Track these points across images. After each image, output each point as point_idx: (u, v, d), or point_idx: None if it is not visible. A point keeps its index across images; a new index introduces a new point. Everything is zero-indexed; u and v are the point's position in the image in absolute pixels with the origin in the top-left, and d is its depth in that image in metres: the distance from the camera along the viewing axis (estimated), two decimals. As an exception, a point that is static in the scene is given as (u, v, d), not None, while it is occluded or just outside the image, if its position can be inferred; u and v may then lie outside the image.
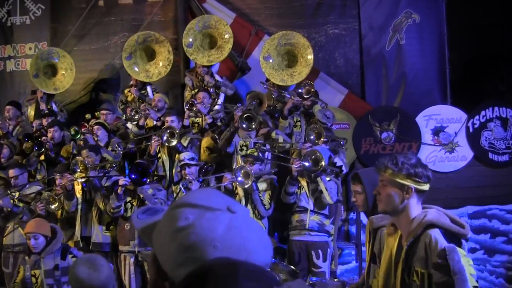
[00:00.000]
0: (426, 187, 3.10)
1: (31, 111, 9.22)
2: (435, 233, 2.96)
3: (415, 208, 3.09)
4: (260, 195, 6.81)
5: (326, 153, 6.91)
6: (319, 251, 6.65)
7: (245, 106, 7.81)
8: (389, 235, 3.28)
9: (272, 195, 6.89)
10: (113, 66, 9.78)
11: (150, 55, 9.05)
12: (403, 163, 3.05)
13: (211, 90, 8.44)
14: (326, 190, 6.54)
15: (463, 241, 3.00)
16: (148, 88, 8.92)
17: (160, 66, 8.90)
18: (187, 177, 6.91)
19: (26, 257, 5.81)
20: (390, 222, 3.28)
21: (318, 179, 6.56)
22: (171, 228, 1.25)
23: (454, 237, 2.97)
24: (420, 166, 3.07)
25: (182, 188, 6.89)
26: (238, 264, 1.14)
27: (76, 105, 9.85)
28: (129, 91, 9.01)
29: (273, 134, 7.51)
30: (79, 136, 7.87)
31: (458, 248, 2.91)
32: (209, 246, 1.19)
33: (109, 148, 7.83)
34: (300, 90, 7.78)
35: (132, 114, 8.30)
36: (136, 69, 8.86)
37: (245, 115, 7.19)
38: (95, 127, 7.93)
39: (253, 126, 7.19)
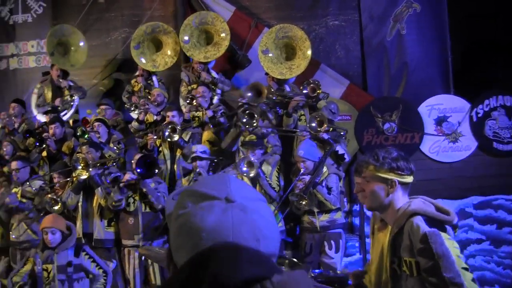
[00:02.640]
0: (409, 179, 3.10)
1: (47, 92, 9.25)
2: (417, 220, 2.94)
3: (400, 200, 3.09)
4: (268, 179, 6.88)
5: (313, 146, 6.88)
6: (332, 241, 6.68)
7: (245, 98, 7.84)
8: (379, 230, 3.28)
9: (279, 174, 6.99)
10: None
11: (157, 46, 9.13)
12: (384, 158, 3.06)
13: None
14: (326, 200, 6.58)
15: (447, 227, 2.98)
16: (154, 78, 8.99)
17: (167, 57, 9.00)
18: (197, 170, 6.96)
19: (39, 251, 5.89)
20: (379, 217, 3.28)
21: (315, 191, 6.57)
22: (174, 215, 1.31)
23: (438, 224, 2.94)
24: (401, 159, 3.07)
25: (194, 180, 6.97)
26: (241, 248, 1.16)
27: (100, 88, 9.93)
28: (136, 81, 9.07)
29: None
30: (86, 135, 7.81)
31: (441, 232, 2.89)
32: (196, 236, 1.22)
33: (111, 145, 7.85)
34: (305, 91, 7.68)
35: (132, 108, 8.35)
36: (143, 59, 8.95)
37: (247, 111, 7.18)
38: (96, 123, 7.94)
39: (254, 123, 7.17)
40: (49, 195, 7.11)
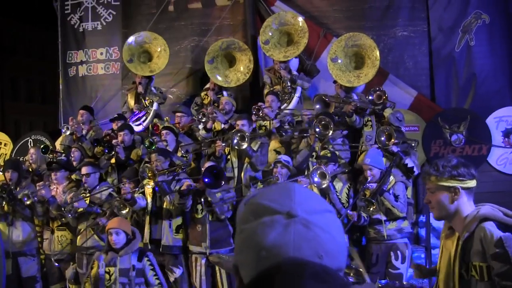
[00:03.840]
0: (472, 183, 3.13)
1: (130, 100, 9.37)
2: (489, 226, 2.99)
3: (467, 206, 3.13)
4: (338, 194, 6.86)
5: (379, 155, 6.86)
6: (398, 252, 6.64)
7: (315, 110, 7.86)
8: (446, 238, 3.32)
9: (349, 190, 6.97)
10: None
11: (230, 62, 9.23)
12: (444, 166, 3.11)
13: (288, 84, 8.49)
14: (393, 206, 6.55)
15: None
16: (224, 93, 9.04)
17: (239, 73, 9.08)
18: (276, 175, 6.98)
19: (103, 254, 5.97)
20: (447, 225, 3.32)
21: (382, 198, 6.54)
22: (238, 229, 1.30)
23: (509, 229, 2.99)
24: (461, 166, 3.11)
25: None
26: (307, 264, 1.14)
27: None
28: (206, 94, 9.12)
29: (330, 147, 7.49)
30: (154, 147, 7.74)
31: None
32: (257, 254, 1.20)
33: (179, 154, 7.92)
34: (371, 97, 7.61)
35: (200, 116, 8.41)
36: (217, 75, 9.04)
37: (322, 122, 7.17)
38: (164, 131, 8.00)
39: (328, 134, 7.16)
40: (118, 200, 7.20)
